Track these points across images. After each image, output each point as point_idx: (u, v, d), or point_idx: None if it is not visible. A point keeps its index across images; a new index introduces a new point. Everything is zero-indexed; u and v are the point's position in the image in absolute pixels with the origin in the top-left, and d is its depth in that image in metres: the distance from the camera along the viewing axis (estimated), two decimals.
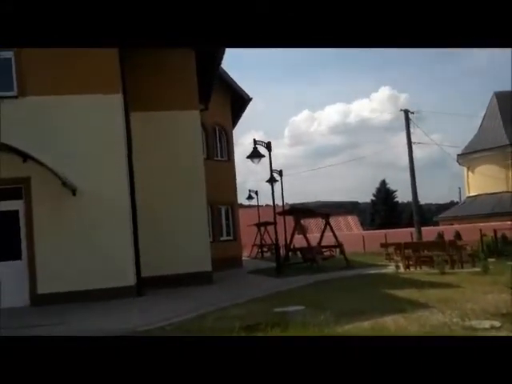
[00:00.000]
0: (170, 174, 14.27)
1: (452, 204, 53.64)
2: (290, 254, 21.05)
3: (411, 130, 26.69)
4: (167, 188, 14.20)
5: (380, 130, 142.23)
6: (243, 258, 24.18)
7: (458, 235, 22.21)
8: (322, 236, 20.33)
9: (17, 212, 11.66)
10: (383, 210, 59.04)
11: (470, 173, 37.34)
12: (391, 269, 16.02)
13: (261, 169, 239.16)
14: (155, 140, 14.23)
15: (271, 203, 18.71)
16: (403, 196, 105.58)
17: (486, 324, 6.41)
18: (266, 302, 9.93)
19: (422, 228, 26.72)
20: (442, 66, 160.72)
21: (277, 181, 23.66)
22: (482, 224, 24.14)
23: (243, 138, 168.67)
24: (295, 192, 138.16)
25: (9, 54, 11.77)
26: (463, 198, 41.16)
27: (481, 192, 35.47)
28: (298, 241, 22.09)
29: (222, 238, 21.22)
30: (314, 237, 23.82)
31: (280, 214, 21.09)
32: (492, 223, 23.76)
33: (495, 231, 19.80)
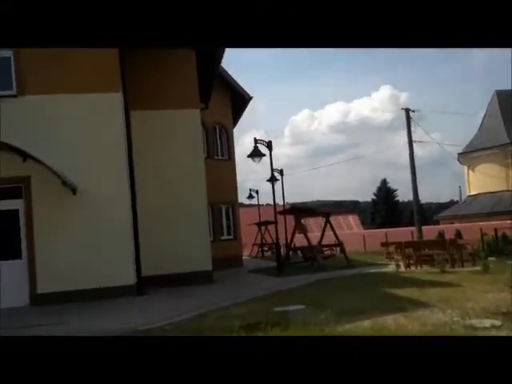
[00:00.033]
0: (170, 173, 14.27)
1: (452, 203, 53.67)
2: (291, 253, 21.08)
3: (412, 128, 26.74)
4: (167, 187, 14.20)
5: (381, 129, 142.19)
6: (244, 258, 24.16)
7: (458, 234, 22.17)
8: (322, 235, 20.34)
9: (17, 211, 11.66)
10: (384, 209, 59.07)
11: (470, 172, 37.32)
12: (392, 268, 16.01)
13: (261, 168, 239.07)
14: (155, 139, 14.22)
15: (272, 202, 18.69)
16: (404, 195, 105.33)
17: (487, 323, 6.42)
18: (267, 301, 9.92)
19: (423, 227, 26.70)
20: (442, 66, 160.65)
21: (277, 180, 23.63)
22: (482, 223, 24.14)
23: (244, 137, 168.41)
24: (296, 191, 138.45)
25: (8, 52, 11.74)
26: (464, 197, 41.15)
27: (481, 191, 35.45)
28: (299, 240, 22.11)
29: (222, 238, 21.21)
30: (314, 236, 23.81)
31: (280, 213, 21.07)
32: (492, 222, 23.73)
33: (496, 230, 19.79)
